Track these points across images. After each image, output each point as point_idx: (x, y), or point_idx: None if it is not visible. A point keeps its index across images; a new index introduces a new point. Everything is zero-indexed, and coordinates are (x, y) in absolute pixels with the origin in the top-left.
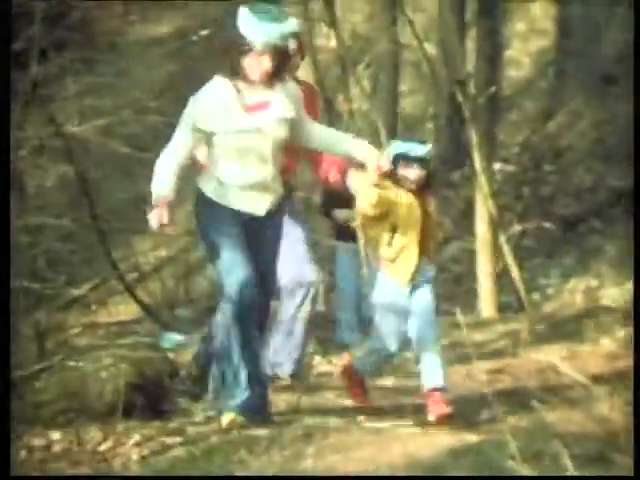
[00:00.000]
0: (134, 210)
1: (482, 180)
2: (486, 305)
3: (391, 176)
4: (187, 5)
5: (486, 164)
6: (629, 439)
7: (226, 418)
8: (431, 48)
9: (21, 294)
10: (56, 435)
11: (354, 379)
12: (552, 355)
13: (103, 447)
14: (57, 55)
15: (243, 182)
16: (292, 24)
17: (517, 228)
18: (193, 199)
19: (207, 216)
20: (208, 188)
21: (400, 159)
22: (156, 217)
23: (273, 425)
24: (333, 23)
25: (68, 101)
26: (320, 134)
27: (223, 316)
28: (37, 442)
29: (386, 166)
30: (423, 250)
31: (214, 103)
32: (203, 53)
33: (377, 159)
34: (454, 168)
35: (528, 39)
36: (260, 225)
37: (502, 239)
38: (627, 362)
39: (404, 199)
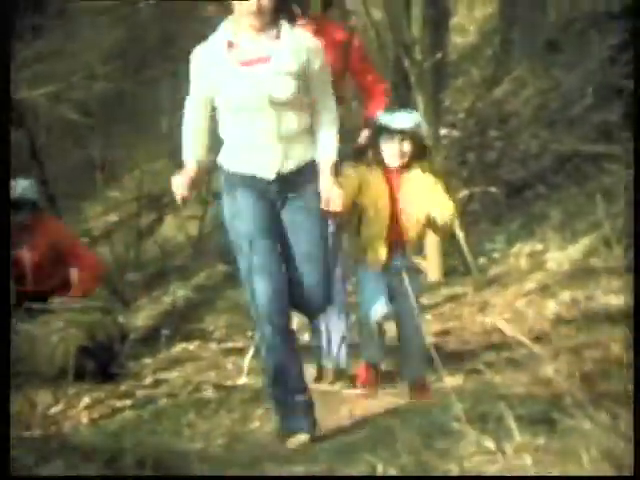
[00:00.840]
0: (84, 175)
1: (430, 145)
2: (434, 268)
3: (373, 152)
4: None
5: (432, 129)
6: (574, 399)
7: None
8: (377, 14)
9: None
10: None
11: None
12: (497, 317)
13: (54, 410)
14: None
15: (249, 142)
16: None
17: (463, 193)
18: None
19: (228, 195)
20: (224, 159)
21: (382, 132)
22: (177, 186)
23: (222, 389)
24: None
25: (18, 67)
26: (323, 105)
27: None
28: None
29: (335, 201)
30: (400, 237)
31: (207, 60)
32: (150, 20)
33: (327, 183)
34: None
35: (473, 6)
36: (287, 199)
37: None
38: (571, 324)
39: (373, 184)
